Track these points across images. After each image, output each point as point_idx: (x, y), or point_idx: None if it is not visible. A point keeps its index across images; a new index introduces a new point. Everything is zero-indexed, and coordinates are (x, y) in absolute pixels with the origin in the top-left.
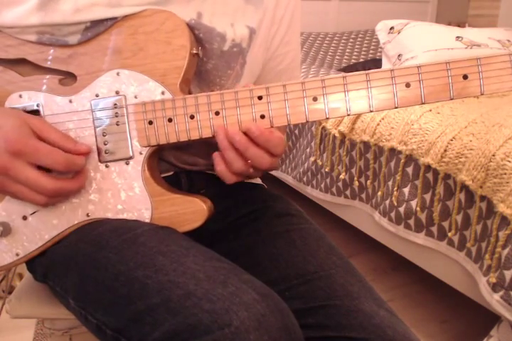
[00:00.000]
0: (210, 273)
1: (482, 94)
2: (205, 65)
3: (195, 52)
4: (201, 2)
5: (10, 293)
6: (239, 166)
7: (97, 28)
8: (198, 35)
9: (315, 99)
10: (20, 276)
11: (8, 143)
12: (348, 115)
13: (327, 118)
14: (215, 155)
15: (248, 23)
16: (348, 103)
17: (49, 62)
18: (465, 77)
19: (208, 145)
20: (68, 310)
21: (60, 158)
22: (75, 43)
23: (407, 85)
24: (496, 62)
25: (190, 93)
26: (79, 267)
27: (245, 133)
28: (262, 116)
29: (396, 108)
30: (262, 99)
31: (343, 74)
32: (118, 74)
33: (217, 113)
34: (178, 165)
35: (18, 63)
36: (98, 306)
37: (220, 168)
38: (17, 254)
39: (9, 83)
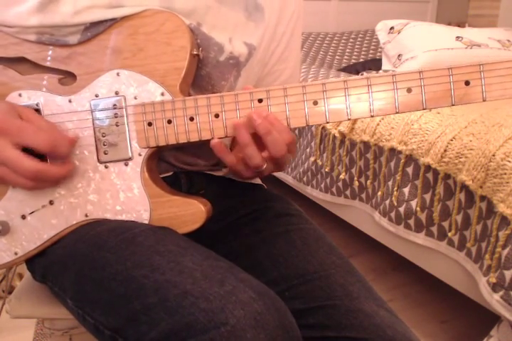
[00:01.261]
0: (207, 272)
1: (484, 101)
2: (199, 70)
3: (195, 53)
4: (202, 15)
5: (10, 293)
6: (257, 161)
7: (97, 28)
8: (195, 41)
9: (315, 102)
10: (20, 276)
11: None
12: (349, 119)
13: (327, 123)
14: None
15: (247, 39)
16: (349, 107)
17: (48, 61)
18: (467, 83)
19: (207, 146)
20: (67, 310)
21: (44, 137)
22: (74, 43)
23: (409, 90)
24: (499, 68)
25: (189, 95)
26: (76, 267)
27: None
28: None
29: (397, 113)
30: (262, 102)
31: (344, 78)
32: (118, 74)
33: (216, 115)
34: (178, 166)
35: (18, 62)
36: (95, 306)
37: (239, 167)
38: (16, 253)
39: (8, 81)
